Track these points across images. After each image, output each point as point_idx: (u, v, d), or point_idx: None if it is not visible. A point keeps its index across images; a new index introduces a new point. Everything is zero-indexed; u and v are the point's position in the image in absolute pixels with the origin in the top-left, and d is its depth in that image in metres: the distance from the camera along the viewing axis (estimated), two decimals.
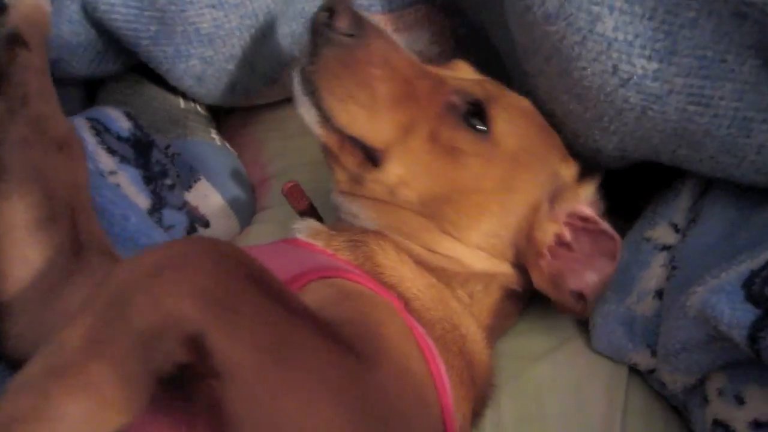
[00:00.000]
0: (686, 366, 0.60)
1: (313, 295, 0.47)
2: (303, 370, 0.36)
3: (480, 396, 0.58)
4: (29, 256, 0.54)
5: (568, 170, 0.64)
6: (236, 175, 0.84)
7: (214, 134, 0.86)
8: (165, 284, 0.35)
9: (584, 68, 0.57)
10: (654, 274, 0.66)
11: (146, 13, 0.69)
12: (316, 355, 0.37)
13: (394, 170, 0.59)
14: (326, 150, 0.62)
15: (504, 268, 0.62)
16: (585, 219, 0.60)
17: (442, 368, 0.49)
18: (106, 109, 0.74)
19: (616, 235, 0.58)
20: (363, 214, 0.61)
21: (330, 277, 0.50)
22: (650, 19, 0.54)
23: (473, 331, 0.58)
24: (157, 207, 0.71)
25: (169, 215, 0.72)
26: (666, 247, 0.67)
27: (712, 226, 0.64)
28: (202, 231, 0.78)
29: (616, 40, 0.55)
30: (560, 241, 0.60)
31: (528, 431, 0.63)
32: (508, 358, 0.66)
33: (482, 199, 0.60)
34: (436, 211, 0.59)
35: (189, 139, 0.81)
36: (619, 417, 0.64)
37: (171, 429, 0.39)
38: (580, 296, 0.60)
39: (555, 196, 0.61)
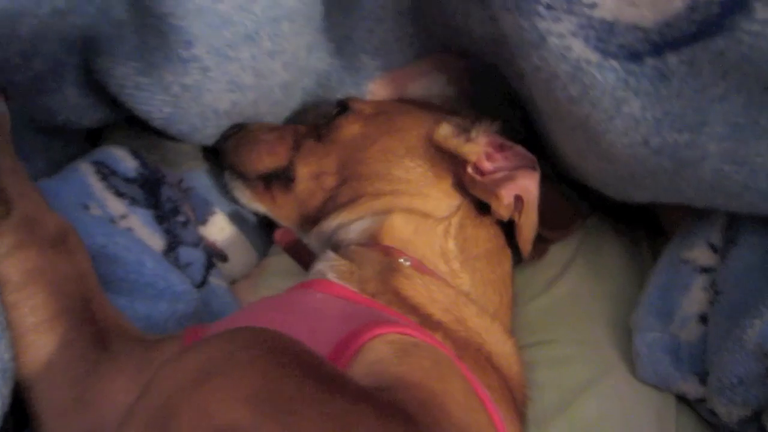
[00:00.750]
0: (743, 399, 0.58)
1: (372, 356, 0.45)
2: None
3: (521, 410, 0.58)
4: (46, 357, 0.53)
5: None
6: None
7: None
8: (214, 392, 0.32)
9: (613, 141, 0.56)
10: (696, 298, 0.65)
11: (158, 98, 0.66)
12: None
13: (305, 171, 0.71)
14: (265, 209, 0.74)
15: (460, 201, 0.65)
16: (500, 145, 0.64)
17: (498, 413, 0.47)
18: (111, 149, 0.71)
19: (530, 154, 0.63)
20: (342, 223, 0.66)
21: (384, 334, 0.47)
22: (678, 97, 0.52)
23: (495, 340, 0.58)
24: (172, 246, 0.68)
25: (186, 253, 0.69)
26: (705, 269, 0.66)
27: (753, 247, 0.63)
28: (220, 265, 0.75)
29: (644, 118, 0.53)
30: (483, 163, 0.64)
31: None
32: (551, 389, 0.65)
33: (380, 147, 0.68)
34: (359, 181, 0.67)
35: (203, 169, 0.78)
36: None
37: None
38: (519, 200, 0.62)
39: (463, 131, 0.66)
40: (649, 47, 0.50)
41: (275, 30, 0.67)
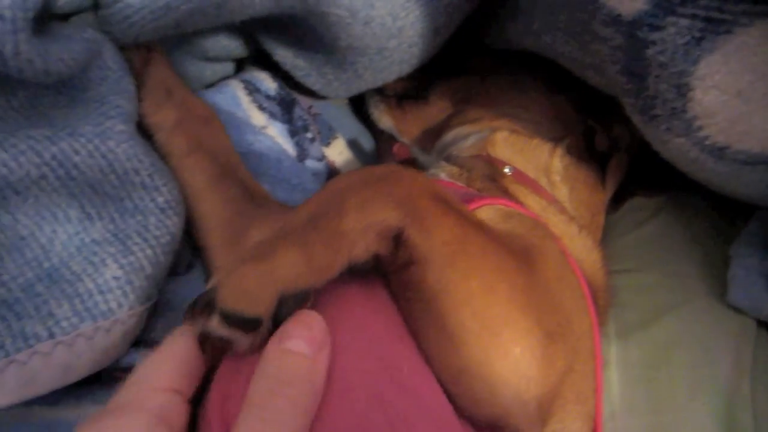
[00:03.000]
0: None
1: (481, 215, 0.53)
2: (483, 260, 0.42)
3: (602, 313, 0.63)
4: (215, 208, 0.62)
5: None
6: (365, 137, 0.90)
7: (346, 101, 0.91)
8: (374, 191, 0.41)
9: None
10: None
11: (312, 78, 0.77)
12: (491, 250, 0.43)
13: (438, 92, 0.81)
14: (392, 123, 0.84)
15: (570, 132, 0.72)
16: None
17: (587, 287, 0.54)
18: (256, 71, 0.80)
19: None
20: (458, 135, 0.75)
21: (491, 204, 0.55)
22: None
23: (580, 247, 0.64)
24: (301, 157, 0.76)
25: (312, 165, 0.78)
26: None
27: None
28: None
29: None
30: None
31: (656, 377, 0.65)
32: (633, 309, 0.69)
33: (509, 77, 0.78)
34: (485, 103, 0.76)
35: (328, 101, 0.86)
36: (748, 372, 0.65)
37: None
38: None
39: None
40: None
41: None
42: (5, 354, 0.42)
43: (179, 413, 0.37)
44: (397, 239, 0.41)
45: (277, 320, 0.38)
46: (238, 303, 0.36)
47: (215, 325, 0.37)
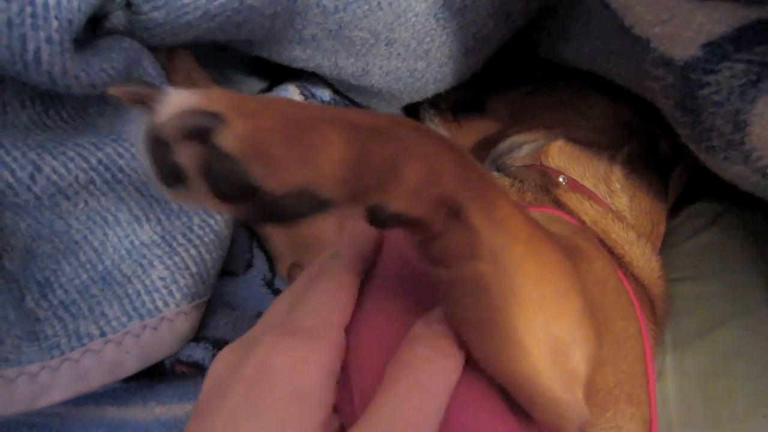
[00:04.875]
0: None
1: None
2: (553, 265, 0.38)
3: (660, 322, 0.62)
4: None
5: None
6: None
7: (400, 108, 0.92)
8: (434, 150, 0.35)
9: None
10: None
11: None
12: (556, 253, 0.39)
13: (495, 100, 0.82)
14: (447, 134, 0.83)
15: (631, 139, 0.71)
16: None
17: (635, 294, 0.53)
18: (310, 77, 0.81)
19: None
20: (514, 143, 0.73)
21: (538, 210, 0.55)
22: None
23: (639, 254, 0.62)
24: None
25: None
26: None
27: None
28: None
29: None
30: None
31: (714, 388, 0.63)
32: (691, 318, 0.67)
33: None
34: (543, 110, 0.76)
35: (381, 106, 0.87)
36: None
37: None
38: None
39: None
40: None
41: None
42: (60, 353, 0.44)
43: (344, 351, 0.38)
44: (455, 214, 0.35)
45: (272, 212, 0.29)
46: (248, 158, 0.27)
47: (188, 156, 0.27)
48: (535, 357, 0.37)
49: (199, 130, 0.27)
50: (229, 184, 0.27)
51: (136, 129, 0.32)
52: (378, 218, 0.33)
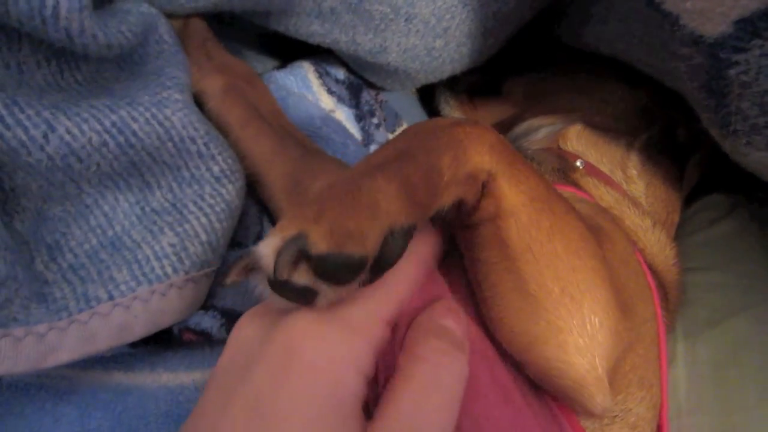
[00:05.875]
0: None
1: None
2: (568, 223, 0.41)
3: (672, 310, 0.62)
4: (285, 171, 0.60)
5: None
6: None
7: (414, 90, 0.92)
8: (466, 132, 0.39)
9: None
10: None
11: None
12: (574, 216, 0.42)
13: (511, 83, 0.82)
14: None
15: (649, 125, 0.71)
16: None
17: (651, 277, 0.53)
18: (326, 55, 0.81)
19: None
20: (531, 127, 0.73)
21: (561, 189, 0.54)
22: None
23: (653, 241, 0.62)
24: (366, 143, 0.77)
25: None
26: None
27: None
28: None
29: None
30: None
31: (725, 377, 0.62)
32: (703, 307, 0.67)
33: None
34: (562, 95, 0.76)
35: (396, 87, 0.87)
36: None
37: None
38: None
39: None
40: None
41: None
42: (68, 314, 0.44)
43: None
44: (484, 188, 0.39)
45: (380, 264, 0.34)
46: (340, 244, 0.32)
47: (307, 277, 0.32)
48: (549, 314, 0.38)
49: (298, 255, 0.32)
50: (341, 272, 0.32)
51: (260, 292, 0.34)
52: (439, 218, 0.39)
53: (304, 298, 0.33)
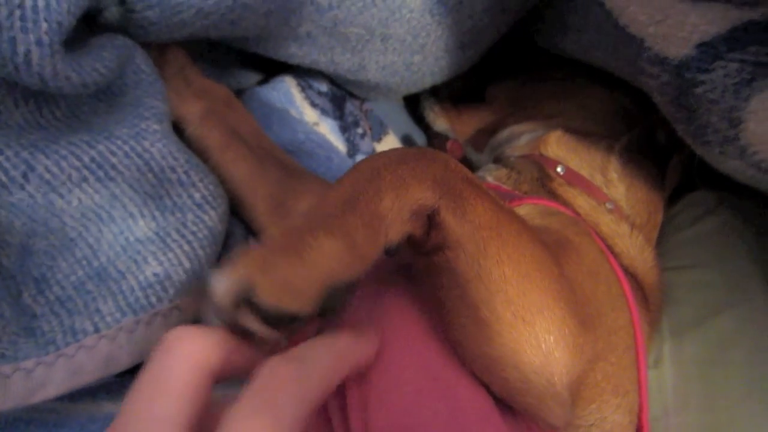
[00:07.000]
0: None
1: (520, 212, 0.53)
2: (516, 248, 0.41)
3: (653, 317, 0.63)
4: (263, 193, 0.62)
5: None
6: (418, 133, 0.90)
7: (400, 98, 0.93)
8: (409, 169, 0.41)
9: None
10: None
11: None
12: (525, 239, 0.42)
13: (494, 91, 0.82)
14: (447, 125, 0.84)
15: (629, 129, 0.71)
16: None
17: (629, 286, 0.54)
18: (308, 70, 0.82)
19: None
20: (513, 134, 0.74)
21: (533, 204, 0.55)
22: None
23: (630, 245, 0.63)
24: (351, 153, 0.78)
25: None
26: None
27: None
28: None
29: None
30: None
31: (711, 375, 0.63)
32: (688, 306, 0.68)
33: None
34: (543, 101, 0.76)
35: (380, 98, 0.87)
36: None
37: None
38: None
39: None
40: None
41: None
42: (55, 348, 0.45)
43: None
44: (431, 220, 0.41)
45: (323, 315, 0.37)
46: (280, 299, 0.35)
47: (249, 320, 0.35)
48: (503, 338, 0.40)
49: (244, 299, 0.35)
50: (280, 322, 0.36)
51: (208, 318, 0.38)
52: (391, 254, 0.40)
53: (244, 332, 0.36)
